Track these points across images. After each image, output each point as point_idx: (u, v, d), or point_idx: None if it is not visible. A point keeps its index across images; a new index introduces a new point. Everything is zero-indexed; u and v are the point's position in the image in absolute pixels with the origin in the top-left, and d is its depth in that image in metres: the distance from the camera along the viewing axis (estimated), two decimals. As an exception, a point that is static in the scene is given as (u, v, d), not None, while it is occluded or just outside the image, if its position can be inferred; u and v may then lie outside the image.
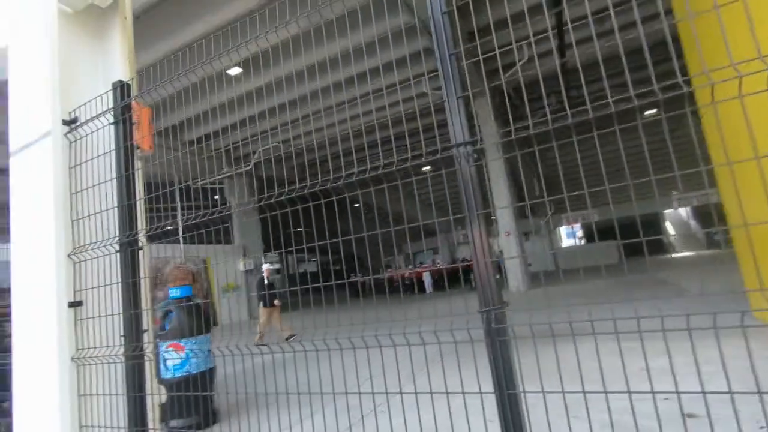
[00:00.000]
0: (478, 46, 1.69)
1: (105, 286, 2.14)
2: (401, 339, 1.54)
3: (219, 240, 18.70)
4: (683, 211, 29.45)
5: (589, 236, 29.63)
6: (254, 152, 17.80)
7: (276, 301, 8.09)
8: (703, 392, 1.10)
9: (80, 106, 2.32)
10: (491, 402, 1.23)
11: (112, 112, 2.21)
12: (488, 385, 1.29)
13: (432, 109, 15.25)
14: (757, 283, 3.98)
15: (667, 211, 29.01)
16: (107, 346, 2.10)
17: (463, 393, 1.30)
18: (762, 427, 2.28)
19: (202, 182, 17.39)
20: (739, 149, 3.68)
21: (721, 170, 4.96)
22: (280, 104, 14.69)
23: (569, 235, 33.16)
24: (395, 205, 26.85)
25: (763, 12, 2.68)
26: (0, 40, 2.49)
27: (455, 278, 20.07)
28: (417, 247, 33.57)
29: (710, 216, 24.80)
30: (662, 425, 1.29)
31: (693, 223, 29.58)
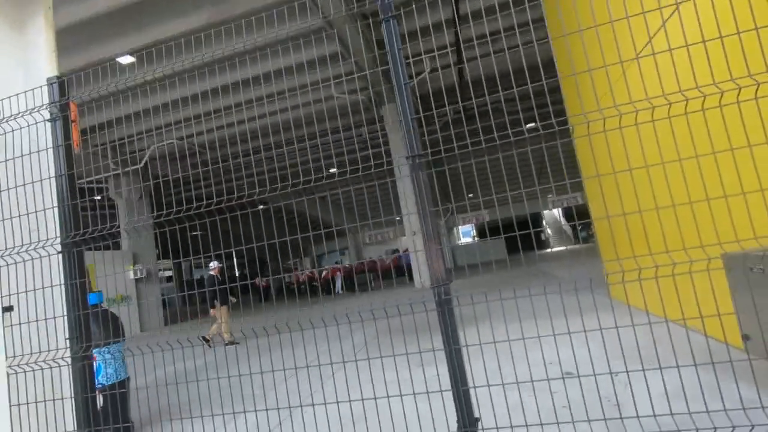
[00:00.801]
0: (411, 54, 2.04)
1: (43, 288, 2.06)
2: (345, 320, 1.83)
3: (105, 246, 16.74)
4: (556, 212, 33.97)
5: (481, 234, 32.54)
6: (149, 147, 16.33)
7: (232, 298, 8.04)
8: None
9: (1, 100, 2.17)
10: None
11: (47, 109, 2.12)
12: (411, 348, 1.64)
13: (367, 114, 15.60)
14: (614, 266, 5.03)
15: (545, 212, 33.20)
16: (46, 351, 2.03)
17: (420, 352, 1.65)
18: (568, 373, 2.85)
19: (84, 181, 15.42)
20: (602, 164, 4.68)
21: (588, 180, 6.16)
22: (180, 98, 13.75)
23: (465, 234, 35.99)
24: (299, 206, 26.57)
25: (617, 73, 3.51)
26: None
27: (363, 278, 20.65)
28: (321, 250, 33.54)
29: (577, 215, 28.93)
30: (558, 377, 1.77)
31: (564, 222, 34.29)
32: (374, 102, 15.51)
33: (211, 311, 7.93)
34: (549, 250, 28.69)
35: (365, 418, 2.15)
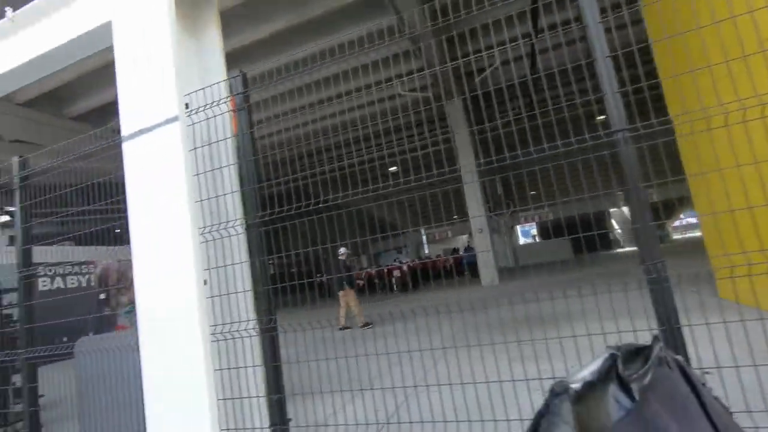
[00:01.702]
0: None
1: (233, 264, 2.24)
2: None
3: None
4: (626, 210, 31.94)
5: (544, 234, 31.32)
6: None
7: (350, 287, 8.27)
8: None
9: (191, 92, 2.38)
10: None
11: (226, 101, 2.31)
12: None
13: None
14: (728, 261, 4.66)
15: (612, 210, 31.36)
16: (236, 322, 2.21)
17: (634, 331, 1.61)
18: (706, 372, 2.64)
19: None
20: (707, 162, 4.46)
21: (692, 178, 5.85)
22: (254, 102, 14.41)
23: (524, 234, 34.82)
24: (364, 206, 27.02)
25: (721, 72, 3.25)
26: (101, 14, 2.48)
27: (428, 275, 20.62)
28: (377, 248, 33.82)
29: (657, 212, 27.02)
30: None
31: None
32: (443, 99, 15.42)
33: (340, 294, 8.30)
34: (618, 250, 27.03)
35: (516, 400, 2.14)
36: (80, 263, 12.52)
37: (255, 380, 2.19)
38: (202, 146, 2.32)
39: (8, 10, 3.02)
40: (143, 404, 3.97)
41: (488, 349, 4.55)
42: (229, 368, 2.17)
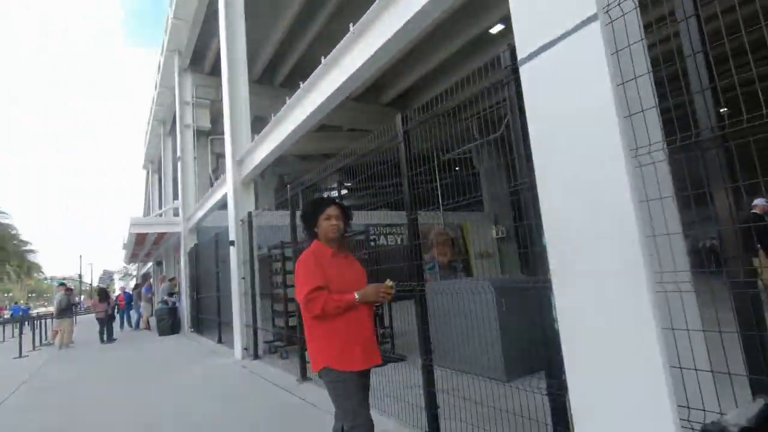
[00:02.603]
0: None
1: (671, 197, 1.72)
2: None
3: (472, 209, 18.79)
4: None
5: None
6: (505, 115, 17.14)
7: None
8: None
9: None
10: None
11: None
12: None
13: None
14: None
15: None
16: (669, 272, 1.69)
17: None
18: None
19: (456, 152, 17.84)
20: None
21: None
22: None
23: None
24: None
25: None
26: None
27: None
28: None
29: None
30: None
31: None
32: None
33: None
34: None
35: None
36: (396, 225, 15.13)
37: (692, 350, 1.62)
38: (620, 50, 1.82)
39: (351, 25, 3.50)
40: (493, 341, 4.06)
41: None
42: (673, 329, 1.66)
